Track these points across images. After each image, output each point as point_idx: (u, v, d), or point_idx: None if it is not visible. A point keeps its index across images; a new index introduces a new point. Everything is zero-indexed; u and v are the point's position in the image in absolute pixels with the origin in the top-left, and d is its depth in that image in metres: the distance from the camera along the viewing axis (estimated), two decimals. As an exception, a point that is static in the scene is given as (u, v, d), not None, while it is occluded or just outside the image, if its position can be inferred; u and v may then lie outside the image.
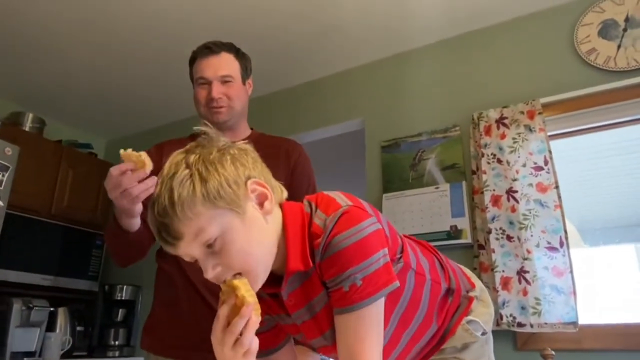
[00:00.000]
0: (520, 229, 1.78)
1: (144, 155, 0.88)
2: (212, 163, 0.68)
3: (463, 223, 1.96)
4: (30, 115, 2.80)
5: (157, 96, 2.87)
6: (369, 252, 0.68)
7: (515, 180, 1.84)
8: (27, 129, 2.76)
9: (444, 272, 0.87)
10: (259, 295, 0.78)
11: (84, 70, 2.60)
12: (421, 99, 2.29)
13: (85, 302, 2.80)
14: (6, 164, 2.27)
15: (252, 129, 1.38)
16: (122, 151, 0.89)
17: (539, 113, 1.88)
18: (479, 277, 1.81)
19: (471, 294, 0.89)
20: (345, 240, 0.68)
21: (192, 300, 1.16)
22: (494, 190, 1.88)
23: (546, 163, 1.82)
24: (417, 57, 2.37)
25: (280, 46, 2.38)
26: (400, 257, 0.77)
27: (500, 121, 1.95)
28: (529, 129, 1.88)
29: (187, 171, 0.67)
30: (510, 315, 1.72)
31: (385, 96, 2.41)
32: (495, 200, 1.86)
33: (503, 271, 1.77)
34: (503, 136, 1.92)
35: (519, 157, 1.87)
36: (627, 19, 1.87)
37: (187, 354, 1.14)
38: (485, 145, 1.95)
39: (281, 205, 0.77)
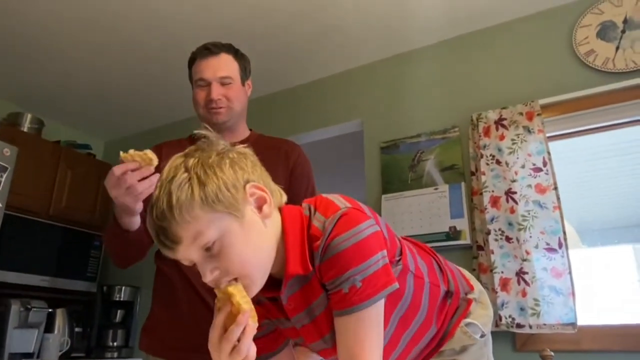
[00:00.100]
0: (519, 230, 1.78)
1: (149, 152, 0.89)
2: (210, 167, 0.68)
3: (462, 224, 1.96)
4: (29, 116, 2.80)
5: (156, 97, 2.87)
6: (368, 253, 0.68)
7: (514, 181, 1.84)
8: (25, 129, 2.75)
9: (443, 274, 0.87)
10: (258, 299, 0.79)
11: (82, 70, 2.59)
12: (420, 100, 2.30)
13: (84, 303, 2.80)
14: (4, 164, 2.26)
15: (251, 130, 1.38)
16: (122, 153, 0.89)
17: (538, 114, 1.89)
18: (478, 278, 1.81)
19: (470, 296, 0.89)
20: (344, 242, 0.68)
21: (192, 301, 1.16)
22: (493, 191, 1.88)
23: (545, 164, 1.82)
24: (416, 58, 2.37)
25: (280, 46, 2.38)
26: (399, 260, 0.77)
27: (499, 122, 1.96)
28: (528, 130, 1.89)
29: (185, 175, 0.68)
30: (509, 316, 1.72)
31: (384, 97, 2.41)
32: (494, 202, 1.87)
33: (502, 272, 1.77)
34: (502, 137, 1.93)
35: (517, 158, 1.87)
36: (625, 21, 1.87)
37: (186, 355, 1.14)
38: (484, 147, 1.95)
39: (280, 209, 0.77)
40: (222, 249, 0.68)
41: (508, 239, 1.80)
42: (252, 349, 0.68)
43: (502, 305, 1.73)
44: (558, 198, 1.77)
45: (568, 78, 1.94)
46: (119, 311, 2.78)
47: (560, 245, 1.73)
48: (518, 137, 1.89)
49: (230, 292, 0.67)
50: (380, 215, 2.15)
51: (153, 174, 0.92)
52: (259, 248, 0.71)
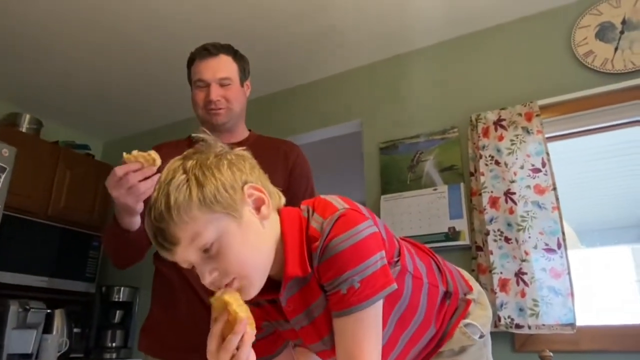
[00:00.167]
0: (518, 230, 1.78)
1: (153, 153, 0.89)
2: (208, 168, 0.69)
3: (461, 225, 1.96)
4: (27, 116, 2.80)
5: (154, 97, 2.87)
6: (366, 254, 0.68)
7: (513, 182, 1.84)
8: (24, 130, 2.75)
9: (442, 275, 0.87)
10: (257, 301, 0.79)
11: (81, 70, 2.59)
12: (419, 101, 2.30)
13: (82, 303, 2.79)
14: (3, 165, 2.26)
15: (250, 130, 1.38)
16: (125, 154, 0.89)
17: (537, 115, 1.89)
18: (477, 278, 1.81)
19: (469, 296, 0.89)
20: (342, 243, 0.68)
21: (190, 301, 1.16)
22: (492, 192, 1.88)
23: (544, 165, 1.83)
24: (415, 59, 2.37)
25: (279, 47, 2.38)
26: (398, 261, 0.77)
27: (498, 123, 1.96)
28: (527, 131, 1.89)
29: (183, 176, 0.68)
30: (508, 316, 1.72)
31: (383, 97, 2.41)
32: (493, 202, 1.87)
33: (501, 273, 1.77)
34: (501, 138, 1.93)
35: (516, 159, 1.87)
36: (624, 22, 1.88)
37: (186, 356, 1.14)
38: (483, 147, 1.95)
39: (279, 211, 0.77)
40: (220, 250, 0.68)
41: (507, 240, 1.80)
42: (252, 357, 0.68)
43: (501, 305, 1.73)
44: (557, 199, 1.78)
45: (567, 79, 1.94)
46: (117, 312, 2.78)
47: (559, 246, 1.73)
48: (517, 138, 1.90)
49: (226, 300, 0.67)
50: (379, 215, 2.16)
51: (155, 174, 0.91)
52: (257, 249, 0.71)
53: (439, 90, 2.25)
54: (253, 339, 0.68)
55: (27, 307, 2.32)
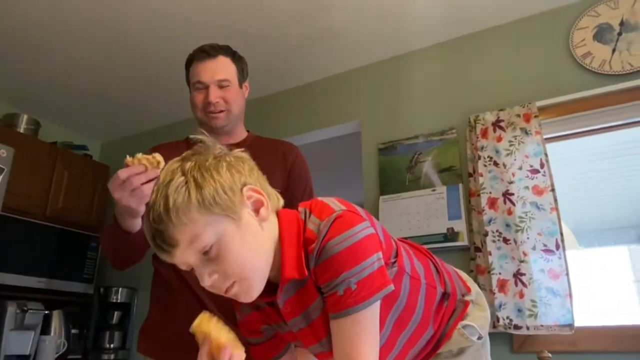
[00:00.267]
0: (517, 231, 1.78)
1: (158, 155, 0.89)
2: (207, 170, 0.68)
3: (460, 225, 1.96)
4: (25, 117, 2.79)
5: (153, 98, 2.87)
6: (362, 256, 0.68)
7: (511, 183, 1.84)
8: (21, 130, 2.74)
9: (440, 276, 0.87)
10: (257, 304, 0.79)
11: (79, 71, 2.58)
12: (418, 102, 2.30)
13: (80, 304, 2.78)
14: (1, 165, 2.26)
15: (248, 131, 1.38)
16: (128, 158, 0.89)
17: (535, 116, 1.89)
18: (476, 279, 1.81)
19: (467, 298, 0.89)
20: (339, 244, 0.68)
21: (190, 303, 1.15)
22: (490, 192, 1.88)
23: (542, 166, 1.83)
24: (413, 60, 2.38)
25: (278, 48, 2.38)
26: (395, 262, 0.77)
27: (496, 124, 1.96)
28: (525, 132, 1.89)
29: (182, 178, 0.68)
30: (507, 317, 1.72)
31: (382, 98, 2.41)
32: (492, 203, 1.87)
33: (499, 273, 1.78)
34: (499, 139, 1.93)
35: (515, 160, 1.87)
36: (622, 23, 1.88)
37: (184, 358, 1.13)
38: (482, 148, 1.95)
39: (277, 213, 0.76)
40: (219, 252, 0.68)
41: (505, 241, 1.81)
42: None
43: (500, 306, 1.73)
44: (555, 199, 1.78)
45: (565, 80, 1.94)
46: (115, 313, 2.77)
47: (557, 247, 1.73)
48: (515, 139, 1.90)
49: (204, 331, 0.68)
50: (377, 216, 2.16)
51: (158, 176, 0.91)
52: (256, 251, 0.71)
53: (438, 91, 2.26)
54: (243, 358, 0.68)
55: (25, 308, 2.31)
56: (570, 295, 1.67)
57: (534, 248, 1.75)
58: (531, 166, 1.85)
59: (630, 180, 2.17)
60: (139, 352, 1.23)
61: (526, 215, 1.79)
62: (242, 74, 1.30)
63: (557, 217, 1.76)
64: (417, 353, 0.86)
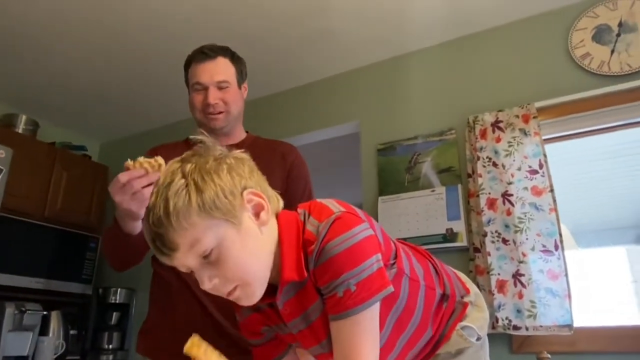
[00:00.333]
0: (516, 232, 1.78)
1: (159, 159, 0.88)
2: (208, 173, 0.68)
3: (459, 226, 1.96)
4: (24, 117, 2.79)
5: (151, 98, 2.86)
6: (362, 257, 0.68)
7: (510, 183, 1.85)
8: (20, 130, 2.74)
9: (439, 277, 0.87)
10: (257, 306, 0.78)
11: (78, 71, 2.58)
12: (417, 102, 2.30)
13: (79, 305, 2.78)
14: (-1, 166, 2.25)
15: (247, 132, 1.38)
16: (129, 162, 0.89)
17: (534, 117, 1.89)
18: (475, 280, 1.82)
19: (466, 299, 0.89)
20: (338, 246, 0.68)
21: (189, 304, 1.15)
22: (489, 193, 1.89)
23: (541, 167, 1.83)
24: (412, 61, 2.38)
25: (277, 48, 2.38)
26: (394, 263, 0.77)
27: (495, 125, 1.96)
28: (524, 133, 1.89)
29: (182, 181, 0.67)
30: (506, 318, 1.72)
31: (381, 99, 2.41)
32: (491, 204, 1.87)
33: (499, 274, 1.78)
34: (498, 140, 1.93)
35: (514, 160, 1.88)
36: (620, 24, 1.89)
37: (184, 359, 1.13)
38: (481, 149, 1.96)
39: (277, 215, 0.76)
40: (219, 257, 0.68)
41: (504, 241, 1.81)
42: None
43: (499, 307, 1.73)
44: (554, 200, 1.78)
45: (564, 81, 1.95)
46: (114, 313, 2.77)
47: (556, 248, 1.73)
48: (514, 140, 1.90)
49: (195, 356, 0.69)
50: (376, 217, 2.16)
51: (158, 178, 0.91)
52: (256, 255, 0.71)
53: (437, 92, 2.26)
54: None
55: (23, 309, 2.30)
56: (569, 296, 1.67)
57: (532, 249, 1.76)
58: (530, 167, 1.85)
59: (630, 180, 2.18)
60: (138, 352, 1.22)
61: (525, 216, 1.79)
62: (241, 75, 1.30)
63: (556, 218, 1.76)
64: (416, 354, 0.86)
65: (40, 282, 2.56)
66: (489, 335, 0.95)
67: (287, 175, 1.27)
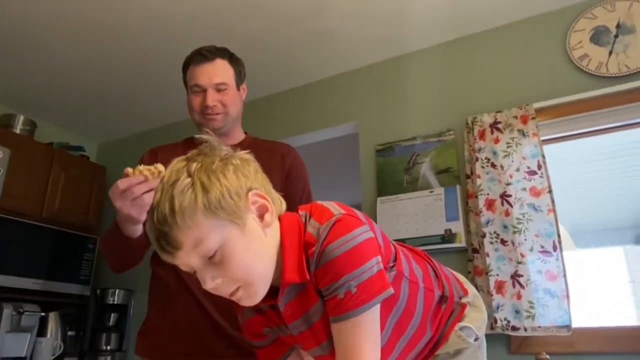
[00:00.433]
0: (514, 233, 1.79)
1: (159, 166, 0.89)
2: (214, 172, 0.68)
3: (457, 227, 1.97)
4: (21, 118, 2.78)
5: (150, 98, 2.86)
6: (362, 259, 0.68)
7: (509, 184, 1.85)
8: (17, 131, 2.73)
9: (438, 279, 0.87)
10: (259, 307, 0.78)
11: (76, 71, 2.57)
12: (415, 103, 2.30)
13: (77, 306, 2.77)
14: (-3, 167, 2.24)
15: (246, 133, 1.38)
16: (128, 169, 0.89)
17: (532, 118, 1.90)
18: (473, 280, 1.82)
19: (464, 300, 0.89)
20: (338, 248, 0.68)
21: (188, 305, 1.15)
22: (488, 194, 1.89)
23: (539, 167, 1.83)
24: (411, 61, 2.38)
25: (276, 49, 2.38)
26: (394, 266, 0.77)
27: (494, 126, 1.97)
28: (523, 134, 1.90)
29: (188, 180, 0.67)
30: (505, 319, 1.72)
31: (379, 100, 2.41)
32: (490, 204, 1.87)
33: (497, 275, 1.78)
34: (497, 140, 1.94)
35: (512, 161, 1.88)
36: (618, 26, 1.89)
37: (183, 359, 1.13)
38: (479, 150, 1.96)
39: (279, 217, 0.76)
40: (223, 258, 0.68)
41: (503, 242, 1.81)
42: None
43: (498, 308, 1.74)
44: (552, 201, 1.79)
45: (562, 82, 1.95)
46: (112, 314, 2.76)
47: (554, 248, 1.74)
48: (513, 141, 1.90)
49: None
50: (375, 217, 2.16)
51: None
52: (260, 257, 0.71)
53: (436, 93, 2.26)
54: None
55: (21, 310, 2.30)
56: (568, 297, 1.68)
57: (531, 249, 1.76)
58: (528, 168, 1.85)
59: (628, 181, 2.18)
60: (136, 354, 1.22)
61: (523, 216, 1.80)
62: (240, 77, 1.30)
63: (554, 219, 1.77)
64: (416, 355, 0.86)
65: (38, 283, 2.55)
66: (487, 336, 0.96)
67: (286, 177, 1.27)
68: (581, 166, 2.22)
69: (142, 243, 1.11)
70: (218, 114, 1.23)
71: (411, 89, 2.34)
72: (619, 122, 1.89)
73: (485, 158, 1.93)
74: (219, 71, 1.23)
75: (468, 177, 2.01)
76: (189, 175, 0.67)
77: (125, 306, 2.78)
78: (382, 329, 0.75)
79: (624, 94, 1.82)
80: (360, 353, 0.68)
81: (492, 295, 1.75)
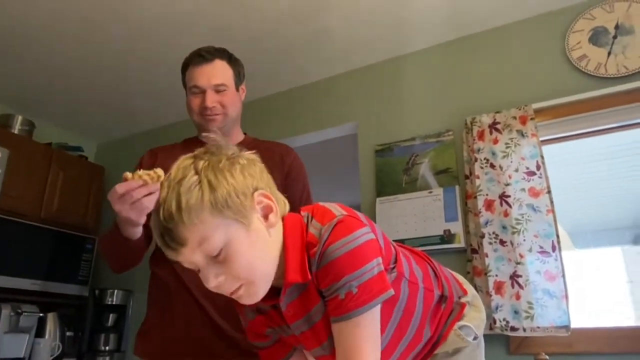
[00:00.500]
0: (513, 233, 1.79)
1: (159, 170, 0.89)
2: (221, 171, 0.68)
3: (456, 227, 1.97)
4: (20, 118, 2.77)
5: (148, 99, 2.85)
6: (363, 260, 0.69)
7: (507, 185, 1.85)
8: (16, 131, 2.72)
9: (437, 279, 0.88)
10: (261, 308, 0.79)
11: (74, 71, 2.57)
12: (414, 104, 2.30)
13: (75, 307, 2.76)
14: (-5, 167, 2.24)
15: (245, 133, 1.38)
16: (127, 174, 0.89)
17: (531, 118, 1.90)
18: (472, 281, 1.82)
19: (463, 299, 0.90)
20: (339, 249, 0.68)
21: (187, 305, 1.15)
22: (487, 194, 1.89)
23: (538, 168, 1.84)
24: (410, 62, 2.38)
25: (275, 49, 2.38)
26: (394, 267, 0.78)
27: (493, 126, 1.97)
28: (521, 134, 1.90)
29: (195, 177, 0.67)
30: (504, 319, 1.72)
31: (378, 100, 2.42)
32: (488, 205, 1.87)
33: (496, 275, 1.78)
34: (496, 141, 1.94)
35: (511, 162, 1.88)
36: (617, 27, 1.90)
37: (182, 360, 1.13)
38: (478, 150, 1.96)
39: (282, 217, 0.77)
40: (227, 257, 0.68)
41: (502, 243, 1.81)
42: None
43: (496, 308, 1.74)
44: (551, 201, 1.79)
45: (561, 83, 1.96)
46: (111, 315, 2.75)
47: (553, 249, 1.74)
48: (512, 141, 1.91)
49: None
50: (374, 218, 2.16)
51: (158, 189, 0.92)
52: (263, 257, 0.71)
53: (435, 93, 2.26)
54: None
55: (19, 310, 2.29)
56: (567, 297, 1.68)
57: (530, 250, 1.76)
58: (527, 168, 1.85)
59: (627, 181, 2.19)
60: (135, 354, 1.22)
61: (522, 217, 1.80)
62: (239, 77, 1.30)
63: (553, 219, 1.77)
64: (415, 355, 0.86)
65: (37, 284, 2.54)
66: (486, 336, 0.96)
67: (285, 177, 1.27)
68: (580, 166, 2.23)
69: (142, 244, 1.11)
70: (217, 114, 1.23)
71: (410, 90, 2.34)
72: (617, 123, 1.90)
73: (484, 158, 1.94)
74: (218, 72, 1.23)
75: (467, 177, 2.01)
76: (196, 172, 0.68)
77: (123, 306, 2.78)
78: (383, 330, 0.75)
79: (622, 95, 1.82)
80: (361, 353, 0.69)
81: (491, 295, 1.76)
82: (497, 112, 1.99)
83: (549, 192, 1.80)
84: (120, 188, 0.90)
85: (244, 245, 0.68)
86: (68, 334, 2.59)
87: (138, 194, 0.90)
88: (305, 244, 0.72)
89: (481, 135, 1.98)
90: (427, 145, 2.18)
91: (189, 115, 1.27)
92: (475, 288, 1.66)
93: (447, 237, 1.97)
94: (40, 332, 2.41)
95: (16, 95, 2.81)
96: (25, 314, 2.31)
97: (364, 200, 2.29)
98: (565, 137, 2.01)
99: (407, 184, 2.17)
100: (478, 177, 1.92)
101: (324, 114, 2.57)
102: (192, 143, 1.25)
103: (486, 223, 1.85)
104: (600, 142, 2.05)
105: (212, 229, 0.66)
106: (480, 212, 1.87)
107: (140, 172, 0.89)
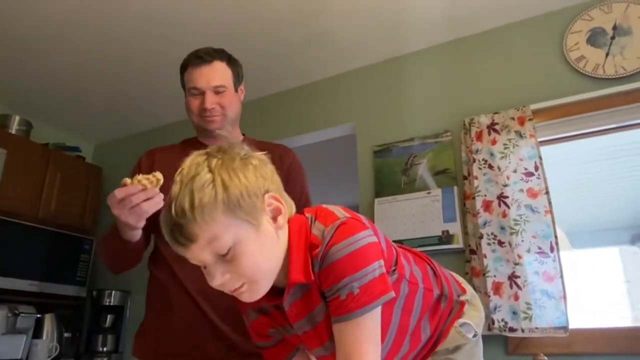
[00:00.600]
0: (511, 234, 1.79)
1: (158, 174, 0.89)
2: (234, 171, 0.69)
3: (455, 228, 1.97)
4: (17, 118, 2.76)
5: (146, 99, 2.85)
6: (365, 262, 0.69)
7: (506, 185, 1.85)
8: (13, 131, 2.72)
9: (437, 279, 0.89)
10: (264, 308, 0.79)
11: (72, 72, 2.56)
12: (413, 104, 2.31)
13: (73, 308, 2.76)
14: (-8, 167, 2.23)
15: (244, 134, 1.38)
16: (126, 180, 0.89)
17: (530, 119, 1.90)
18: (471, 281, 1.82)
19: (462, 298, 0.91)
20: (341, 250, 0.69)
21: (185, 306, 1.15)
22: (485, 195, 1.89)
23: (536, 169, 1.84)
24: (409, 62, 2.38)
25: (273, 50, 2.38)
26: (395, 269, 0.79)
27: (491, 127, 1.97)
28: (520, 135, 1.90)
29: (209, 175, 0.67)
30: (502, 320, 1.73)
31: (377, 101, 2.42)
32: (487, 206, 1.88)
33: (494, 276, 1.78)
34: (494, 142, 1.94)
35: (509, 162, 1.88)
36: (615, 27, 1.90)
37: (180, 361, 1.13)
38: (477, 151, 1.96)
39: (288, 219, 0.77)
40: (235, 256, 0.68)
41: (500, 243, 1.81)
42: None
43: (495, 309, 1.74)
44: (550, 202, 1.79)
45: (559, 83, 1.96)
46: (108, 316, 2.74)
47: (551, 249, 1.74)
48: (510, 142, 1.91)
49: None
50: (373, 218, 2.16)
51: (157, 194, 0.92)
52: (269, 257, 0.72)
53: (433, 94, 2.26)
54: None
55: (17, 311, 2.29)
56: (565, 298, 1.68)
57: (528, 251, 1.76)
58: (525, 169, 1.86)
59: (626, 182, 2.20)
60: (133, 355, 1.22)
61: (521, 218, 1.80)
62: (238, 78, 1.30)
63: (551, 220, 1.77)
64: (417, 353, 0.88)
65: (34, 285, 2.54)
66: (484, 336, 0.97)
67: (284, 178, 1.26)
68: (577, 167, 2.24)
69: (141, 246, 1.11)
70: (217, 116, 1.23)
71: (408, 90, 2.34)
72: (615, 124, 1.90)
73: (483, 159, 1.94)
74: (217, 73, 1.23)
75: (465, 178, 2.01)
76: (210, 170, 0.68)
77: (121, 307, 2.77)
78: (385, 332, 0.76)
79: (620, 96, 1.83)
80: (361, 354, 0.69)
81: (489, 296, 1.76)
82: (496, 113, 1.99)
83: (547, 192, 1.80)
84: (119, 193, 0.90)
85: (252, 246, 0.69)
86: (65, 335, 2.58)
87: (137, 199, 0.90)
88: (309, 245, 0.73)
89: (479, 136, 1.99)
90: (425, 145, 2.18)
91: (188, 117, 1.27)
92: (474, 289, 1.65)
93: (446, 237, 1.97)
94: (37, 333, 2.40)
95: (13, 95, 2.80)
96: (23, 314, 2.30)
97: (362, 201, 2.29)
98: (563, 137, 2.01)
99: (405, 184, 2.17)
100: (476, 178, 1.92)
101: (323, 115, 2.57)
102: (191, 144, 1.25)
103: (484, 224, 1.86)
104: (598, 143, 2.06)
105: (223, 228, 0.66)
106: (478, 213, 1.87)
107: (140, 177, 0.89)
